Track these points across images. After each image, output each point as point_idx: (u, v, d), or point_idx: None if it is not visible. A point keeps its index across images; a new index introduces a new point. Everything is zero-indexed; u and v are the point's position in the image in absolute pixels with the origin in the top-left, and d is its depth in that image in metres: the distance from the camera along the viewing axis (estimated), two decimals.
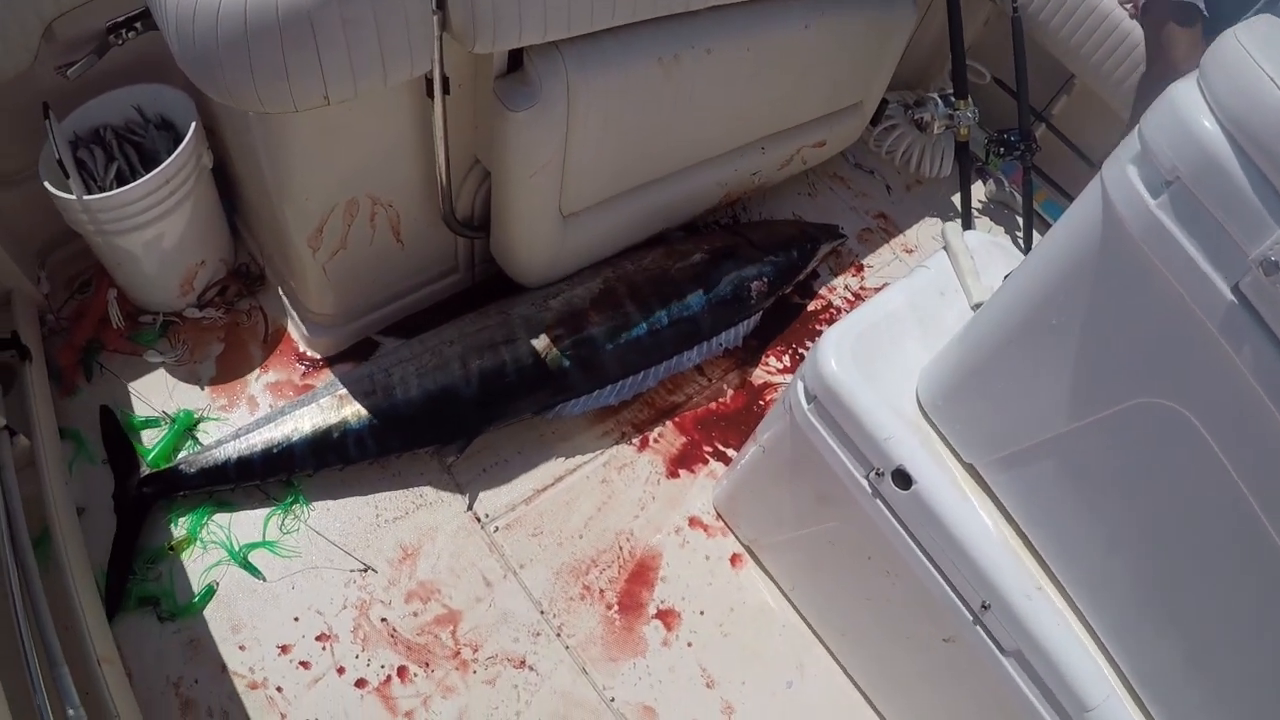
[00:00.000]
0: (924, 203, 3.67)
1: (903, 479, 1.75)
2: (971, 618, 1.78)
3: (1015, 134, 3.38)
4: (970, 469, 1.79)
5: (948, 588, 1.79)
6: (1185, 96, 1.25)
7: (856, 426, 1.81)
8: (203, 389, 2.58)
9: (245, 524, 2.38)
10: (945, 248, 2.11)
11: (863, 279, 3.31)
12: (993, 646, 1.77)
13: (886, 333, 1.93)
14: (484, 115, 2.22)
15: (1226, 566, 1.46)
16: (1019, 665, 1.75)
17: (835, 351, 1.84)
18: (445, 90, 2.00)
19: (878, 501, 1.84)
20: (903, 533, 1.82)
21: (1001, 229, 3.67)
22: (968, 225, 3.56)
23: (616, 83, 2.21)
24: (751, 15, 2.44)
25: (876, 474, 1.80)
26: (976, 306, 1.92)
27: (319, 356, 2.67)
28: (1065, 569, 1.73)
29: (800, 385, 1.93)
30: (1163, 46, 2.57)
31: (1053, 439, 1.59)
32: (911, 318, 1.97)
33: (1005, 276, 1.75)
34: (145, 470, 2.35)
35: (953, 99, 3.39)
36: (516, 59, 2.11)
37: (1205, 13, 2.50)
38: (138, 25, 2.17)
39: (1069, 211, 1.48)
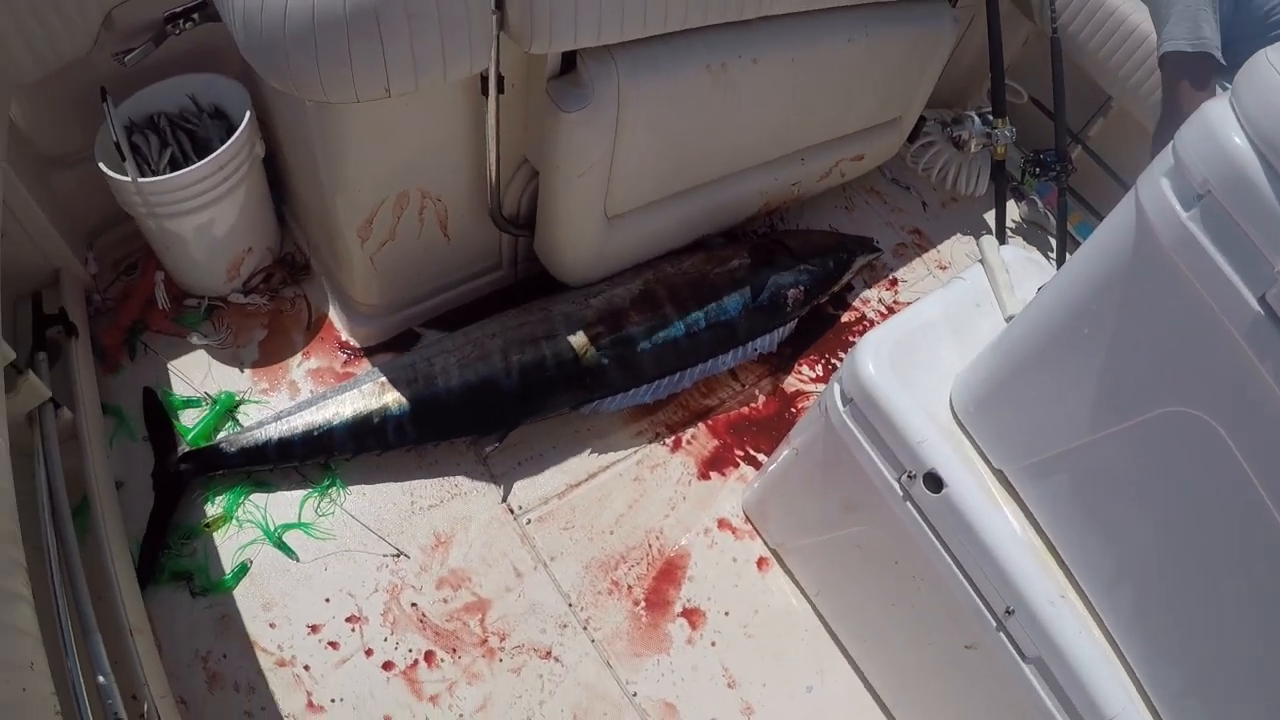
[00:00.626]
0: (959, 220, 3.70)
1: (934, 482, 1.78)
2: (995, 623, 1.80)
3: (1051, 155, 3.41)
4: (1000, 475, 1.82)
5: (973, 592, 1.82)
6: (1218, 114, 1.29)
7: (891, 429, 1.84)
8: (244, 372, 2.63)
9: (281, 504, 2.43)
10: (981, 261, 2.14)
11: (896, 293, 3.34)
12: (1014, 653, 1.79)
13: (923, 340, 1.96)
14: (535, 115, 2.27)
15: (1251, 580, 1.48)
16: (1039, 672, 1.76)
17: (873, 356, 1.88)
18: (500, 89, 2.05)
19: (908, 504, 1.86)
20: (931, 536, 1.85)
21: (1035, 249, 3.68)
22: (1002, 243, 3.59)
23: (665, 88, 2.26)
24: (797, 27, 2.49)
25: (909, 476, 1.83)
26: (1010, 318, 1.95)
27: (360, 345, 2.72)
28: (1089, 577, 1.75)
29: (837, 388, 1.97)
30: (1177, 100, 2.60)
31: (1081, 447, 1.62)
32: (947, 327, 2.00)
33: (1039, 289, 1.78)
34: (185, 448, 2.39)
35: (990, 118, 3.40)
36: (570, 61, 2.16)
37: (1223, 61, 2.53)
38: (195, 16, 2.22)
39: (1104, 223, 1.51)
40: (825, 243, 3.16)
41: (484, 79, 2.04)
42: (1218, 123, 1.28)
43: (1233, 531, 1.46)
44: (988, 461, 1.82)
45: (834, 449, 2.02)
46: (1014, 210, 3.81)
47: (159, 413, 2.47)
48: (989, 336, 1.85)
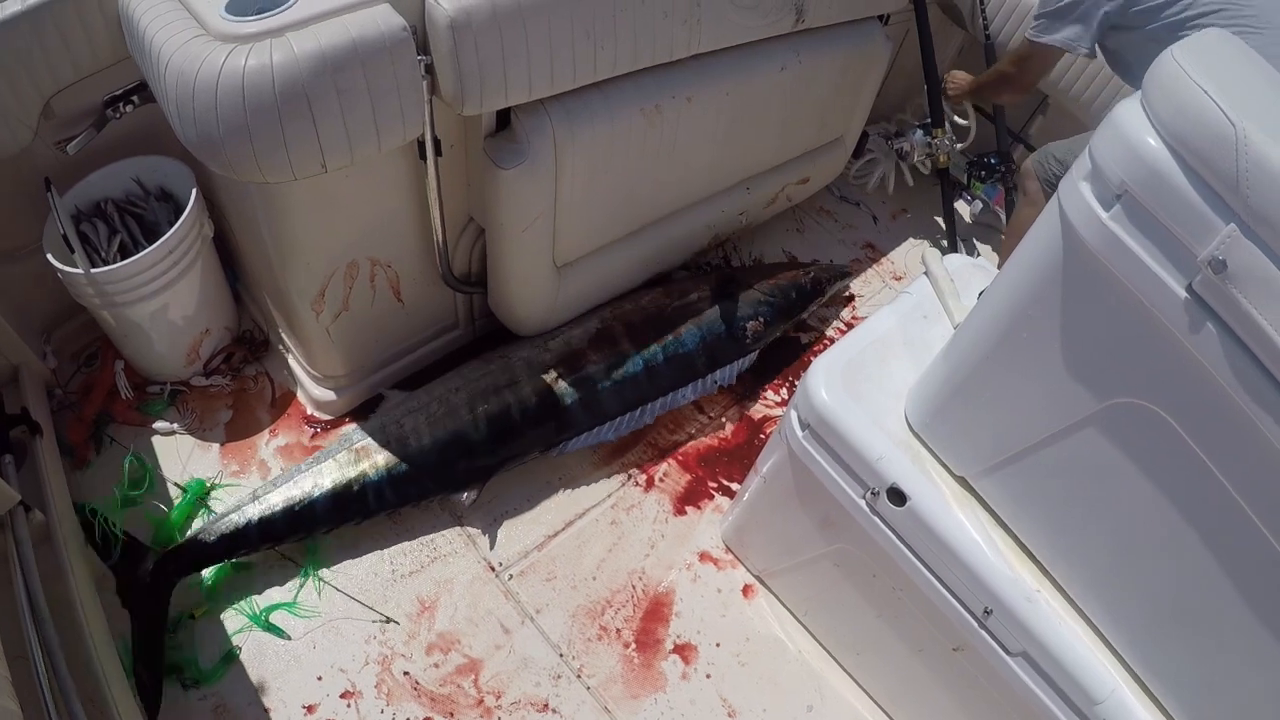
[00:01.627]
0: (910, 230, 3.76)
1: (897, 496, 1.81)
2: (976, 624, 1.83)
3: (994, 156, 3.48)
4: (962, 481, 1.85)
5: (950, 597, 1.85)
6: (1129, 115, 1.33)
7: (849, 450, 1.87)
8: (214, 456, 2.62)
9: (264, 585, 2.42)
10: (926, 273, 2.18)
11: (854, 309, 3.38)
12: (1000, 650, 1.82)
13: (873, 357, 1.99)
14: (476, 173, 2.29)
15: (1212, 551, 1.51)
16: (1027, 666, 1.80)
17: (825, 379, 1.91)
18: (438, 152, 2.08)
19: (876, 519, 1.89)
20: (903, 548, 1.88)
21: (989, 247, 3.75)
22: (953, 247, 3.64)
23: (602, 135, 2.29)
24: (729, 60, 2.53)
25: (872, 494, 1.86)
26: (958, 327, 1.99)
27: (326, 418, 2.72)
28: (1062, 569, 1.78)
29: (794, 414, 2.00)
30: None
31: (1037, 445, 1.65)
32: (898, 341, 2.04)
33: (979, 295, 1.81)
34: (152, 558, 2.29)
35: (931, 127, 3.47)
36: (504, 118, 2.19)
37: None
38: (134, 99, 2.24)
39: (1031, 231, 1.56)
40: (790, 273, 3.19)
41: (421, 144, 2.06)
42: (1130, 125, 1.32)
43: (1191, 510, 1.49)
44: (949, 470, 1.85)
45: (799, 473, 2.05)
46: (965, 212, 3.87)
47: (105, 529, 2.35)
48: (939, 347, 1.88)
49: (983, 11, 3.45)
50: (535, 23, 1.96)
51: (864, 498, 1.89)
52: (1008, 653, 1.81)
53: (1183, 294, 1.30)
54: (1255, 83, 1.36)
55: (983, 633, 1.83)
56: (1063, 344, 1.52)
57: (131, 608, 2.25)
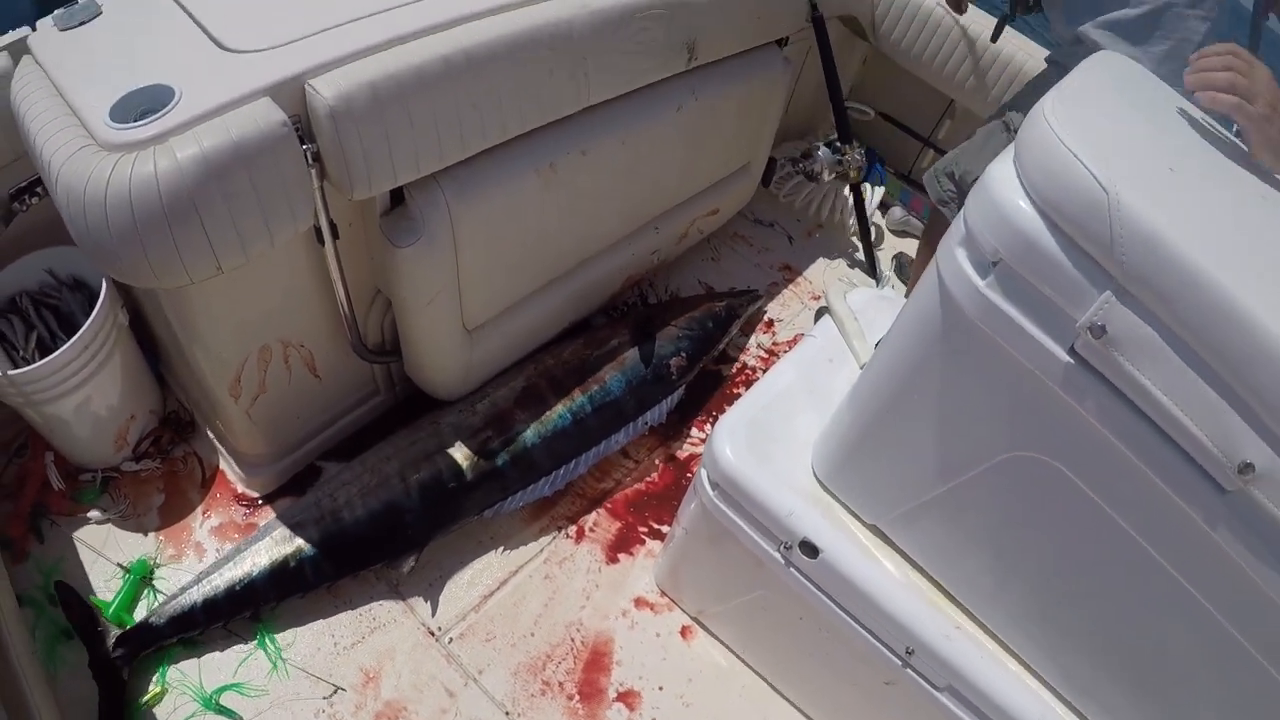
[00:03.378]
0: (826, 247, 3.81)
1: (810, 549, 1.85)
2: (900, 663, 1.87)
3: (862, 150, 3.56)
4: (874, 529, 1.89)
5: (873, 640, 1.89)
6: (1000, 179, 1.34)
7: (758, 507, 1.91)
8: (150, 540, 2.61)
9: (212, 666, 2.40)
10: (829, 312, 2.21)
11: (774, 334, 3.41)
12: (927, 686, 1.87)
13: (778, 411, 2.02)
14: (376, 248, 2.29)
15: (1116, 582, 1.57)
16: (955, 698, 1.84)
17: (729, 440, 1.94)
18: (335, 235, 2.08)
19: (792, 571, 1.93)
20: (822, 596, 1.91)
21: (912, 254, 3.79)
22: (870, 261, 3.70)
23: (497, 201, 2.30)
24: (623, 108, 2.54)
25: (785, 547, 1.89)
26: (860, 373, 2.03)
27: (259, 494, 2.71)
28: (978, 606, 1.83)
29: (704, 473, 2.03)
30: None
31: (944, 493, 1.69)
32: (802, 390, 2.07)
33: (875, 345, 1.85)
34: (116, 633, 2.34)
35: (839, 144, 3.51)
36: (398, 194, 2.19)
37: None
38: (39, 190, 2.22)
39: (913, 294, 1.59)
40: (703, 305, 3.22)
41: (318, 228, 2.06)
42: (1001, 190, 1.34)
43: (1096, 546, 1.54)
44: (859, 518, 1.89)
45: (714, 527, 2.08)
46: (885, 221, 3.93)
47: (79, 604, 2.41)
48: (844, 393, 1.92)
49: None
50: (418, 100, 1.96)
51: (778, 551, 1.92)
52: (935, 688, 1.86)
53: (1065, 357, 1.33)
54: (1137, 127, 1.40)
55: (908, 670, 1.88)
56: (954, 403, 1.57)
57: (98, 679, 2.30)
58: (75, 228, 1.77)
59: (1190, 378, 1.24)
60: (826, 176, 3.58)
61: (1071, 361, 1.33)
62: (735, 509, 1.97)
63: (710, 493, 2.00)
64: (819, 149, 3.56)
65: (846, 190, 3.72)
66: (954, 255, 1.42)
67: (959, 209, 2.56)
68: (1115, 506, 1.45)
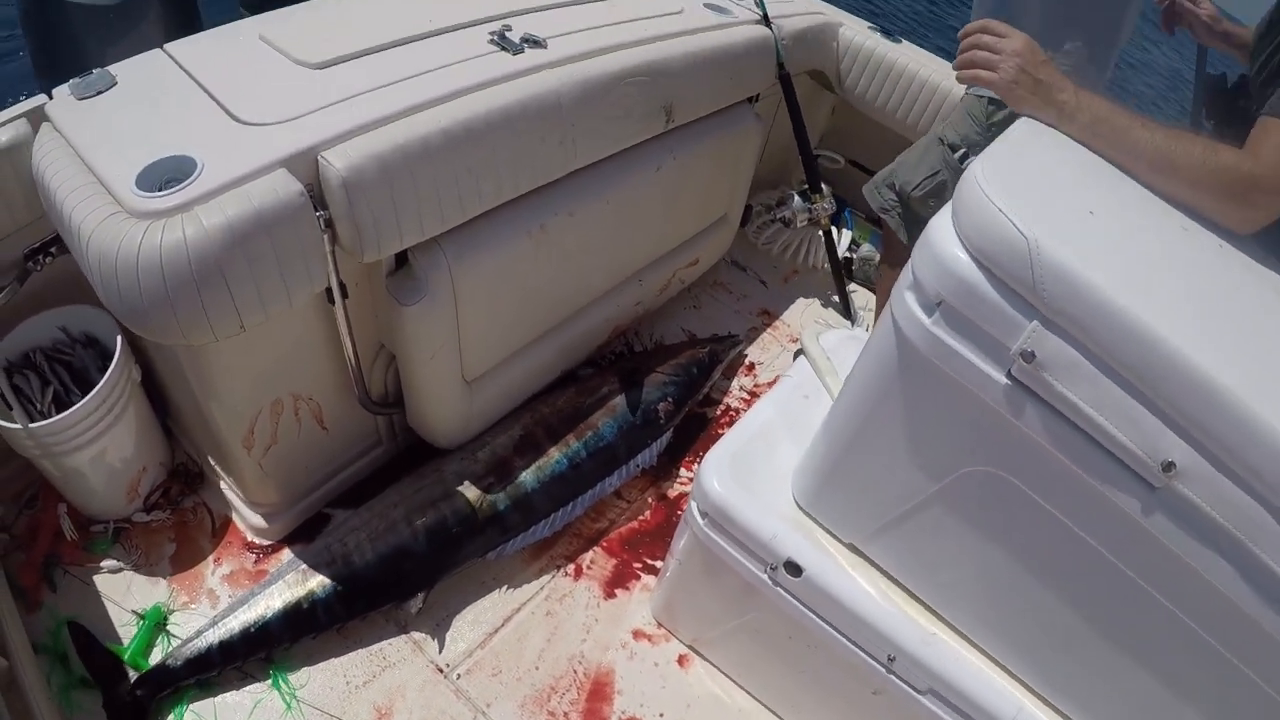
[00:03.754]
0: (803, 289, 3.99)
1: (793, 569, 2.00)
2: (884, 670, 2.02)
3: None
4: (851, 547, 2.05)
5: (857, 650, 2.03)
6: (940, 233, 1.55)
7: (745, 533, 2.07)
8: (163, 588, 2.69)
9: (227, 707, 2.48)
10: (804, 353, 2.39)
11: (755, 377, 3.57)
12: (910, 690, 2.01)
13: (760, 444, 2.20)
14: (381, 306, 2.44)
15: (1074, 582, 1.73)
16: (937, 700, 1.99)
17: (716, 472, 2.11)
18: (344, 295, 2.23)
19: (779, 590, 2.08)
20: (807, 612, 2.06)
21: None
22: (843, 302, 3.87)
23: (493, 261, 2.46)
24: (606, 170, 2.71)
25: (771, 568, 2.05)
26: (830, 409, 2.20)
27: (269, 542, 2.82)
28: (951, 612, 1.99)
29: (694, 505, 2.18)
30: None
31: (910, 511, 1.86)
32: (781, 424, 2.24)
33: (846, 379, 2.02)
34: (134, 675, 2.42)
35: (809, 192, 3.70)
36: (402, 256, 2.34)
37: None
38: (53, 250, 2.32)
39: (872, 334, 1.78)
40: (686, 352, 3.37)
41: (329, 289, 2.20)
42: (941, 242, 1.55)
43: (1053, 550, 1.70)
44: (837, 538, 2.05)
45: (706, 555, 2.23)
46: (860, 264, 4.11)
47: (95, 647, 2.49)
48: (819, 424, 2.08)
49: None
50: (421, 169, 2.13)
51: (766, 572, 2.08)
52: (917, 691, 2.00)
53: (1004, 380, 1.52)
54: (1061, 179, 1.63)
55: (892, 677, 2.02)
56: (914, 426, 1.74)
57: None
58: (106, 289, 1.90)
59: (1112, 391, 1.43)
60: (800, 223, 3.77)
61: (1009, 384, 1.53)
62: (724, 536, 2.13)
63: (700, 522, 2.16)
64: (792, 197, 3.75)
65: (821, 234, 3.89)
66: (904, 298, 1.63)
67: (899, 217, 2.78)
68: (1062, 510, 1.62)
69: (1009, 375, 1.52)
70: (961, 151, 2.90)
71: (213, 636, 2.49)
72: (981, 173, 1.53)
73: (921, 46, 3.90)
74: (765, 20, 3.26)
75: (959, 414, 1.64)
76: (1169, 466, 1.42)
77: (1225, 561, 1.47)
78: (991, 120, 2.81)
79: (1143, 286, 1.44)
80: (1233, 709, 1.66)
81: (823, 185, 3.71)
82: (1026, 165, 1.63)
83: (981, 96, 2.86)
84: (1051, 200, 1.55)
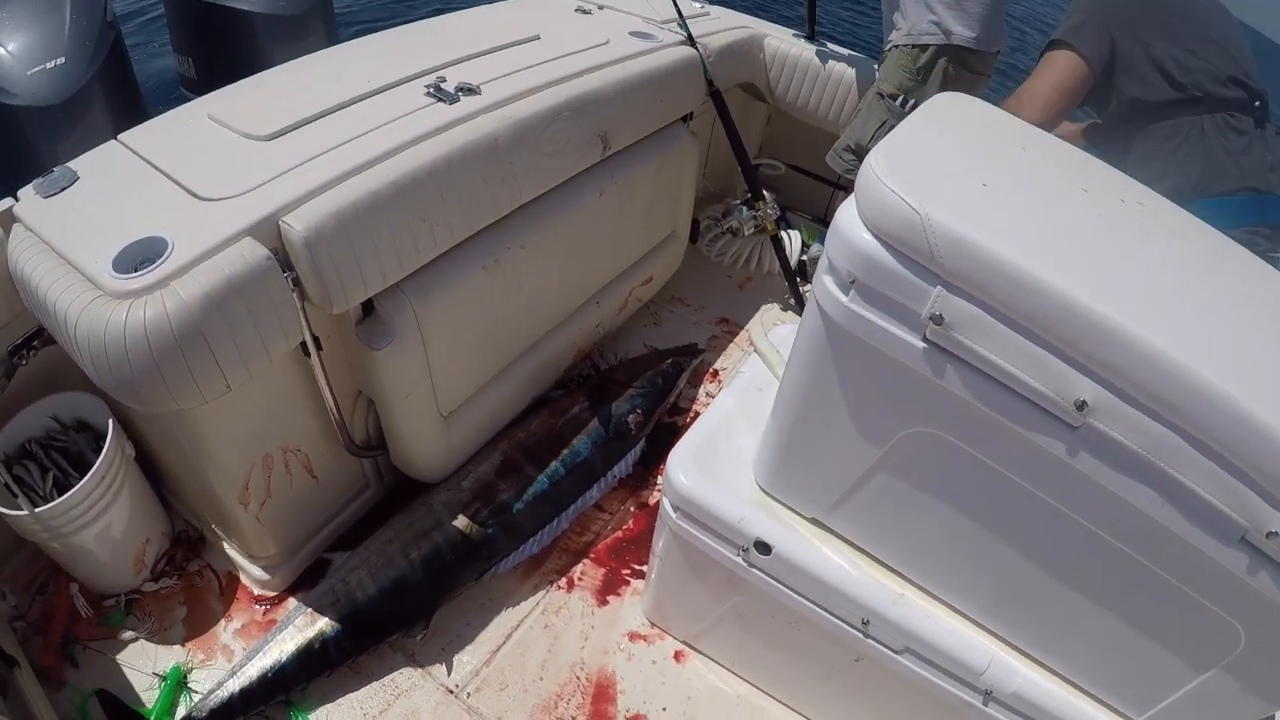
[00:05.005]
0: (758, 295, 4.13)
1: (763, 547, 2.15)
2: (861, 634, 2.16)
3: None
4: (814, 521, 2.19)
5: (833, 618, 2.17)
6: (847, 217, 1.70)
7: (714, 519, 2.21)
8: (180, 650, 2.78)
9: None
10: (755, 351, 2.54)
11: (720, 383, 3.71)
12: (888, 651, 2.15)
13: (720, 436, 2.34)
14: (354, 355, 2.56)
15: (1022, 528, 1.86)
16: (914, 658, 2.12)
17: (681, 466, 2.25)
18: (319, 347, 2.35)
19: (754, 570, 2.22)
20: (783, 588, 2.21)
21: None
22: (799, 303, 4.00)
23: (454, 298, 2.60)
24: (550, 202, 2.86)
25: (744, 550, 2.19)
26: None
27: (273, 593, 2.93)
28: (915, 571, 2.12)
29: (666, 500, 2.33)
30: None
31: (862, 479, 2.00)
32: (739, 416, 2.39)
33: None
34: None
35: (752, 201, 3.84)
36: (369, 305, 2.47)
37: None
38: (35, 344, 2.43)
39: (802, 319, 1.93)
40: (650, 365, 3.53)
41: (304, 344, 2.32)
42: (847, 226, 1.69)
43: (997, 499, 1.84)
44: (800, 514, 2.20)
45: (684, 548, 2.37)
46: (812, 264, 4.23)
47: (122, 710, 2.57)
48: None
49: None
50: (376, 222, 2.26)
51: (739, 555, 2.22)
52: (894, 651, 2.14)
53: (921, 345, 1.67)
54: (955, 157, 1.77)
55: (869, 640, 2.16)
56: (850, 398, 1.88)
57: None
58: (97, 367, 2.01)
59: (1017, 341, 1.58)
60: (747, 231, 3.93)
61: (926, 347, 1.67)
62: (696, 525, 2.27)
63: (673, 516, 2.30)
64: (738, 208, 3.91)
65: (770, 240, 4.04)
66: (823, 281, 1.78)
67: None
68: (996, 459, 1.76)
69: (924, 339, 1.66)
70: (901, 98, 3.16)
71: (233, 685, 2.60)
72: (876, 162, 1.67)
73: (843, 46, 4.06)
74: (690, 41, 3.41)
75: (887, 381, 1.78)
76: (1082, 405, 1.56)
77: (1148, 488, 1.60)
78: (919, 64, 3.11)
79: (1027, 242, 1.57)
80: (1174, 629, 1.79)
81: (765, 193, 3.85)
82: (920, 150, 1.77)
83: (902, 45, 3.08)
84: (942, 178, 1.69)
